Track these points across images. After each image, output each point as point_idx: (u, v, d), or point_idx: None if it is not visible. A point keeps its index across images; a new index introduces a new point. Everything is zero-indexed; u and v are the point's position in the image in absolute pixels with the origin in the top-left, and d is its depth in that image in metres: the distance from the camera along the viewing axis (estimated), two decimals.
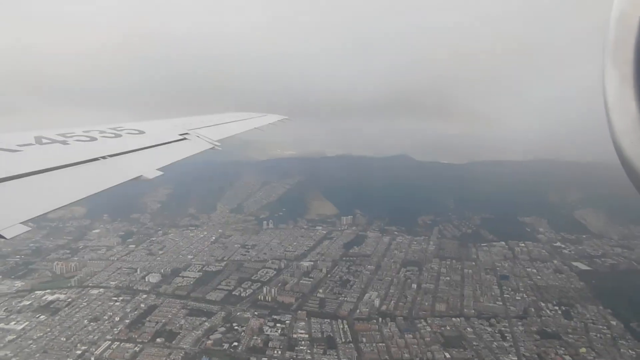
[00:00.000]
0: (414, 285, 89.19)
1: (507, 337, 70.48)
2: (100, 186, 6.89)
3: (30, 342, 68.58)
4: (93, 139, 9.57)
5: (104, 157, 8.22)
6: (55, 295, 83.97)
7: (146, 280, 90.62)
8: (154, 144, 10.35)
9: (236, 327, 73.93)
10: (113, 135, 10.31)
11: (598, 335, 69.97)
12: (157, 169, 8.32)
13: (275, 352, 66.82)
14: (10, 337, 69.49)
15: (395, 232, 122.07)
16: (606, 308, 77.65)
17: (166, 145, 10.75)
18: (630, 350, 66.19)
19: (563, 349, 66.46)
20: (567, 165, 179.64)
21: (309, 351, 67.24)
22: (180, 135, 11.84)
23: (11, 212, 5.16)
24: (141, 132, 11.22)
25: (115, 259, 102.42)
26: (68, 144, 8.69)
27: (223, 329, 73.59)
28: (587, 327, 72.33)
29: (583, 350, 65.99)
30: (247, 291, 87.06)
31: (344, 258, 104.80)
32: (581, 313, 76.97)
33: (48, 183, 6.50)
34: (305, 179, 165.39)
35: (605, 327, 71.96)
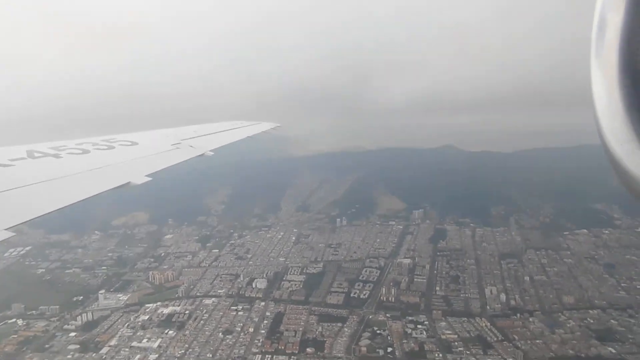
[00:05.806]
0: (527, 278, 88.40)
1: None
2: (86, 194, 7.00)
3: None
4: (86, 151, 9.80)
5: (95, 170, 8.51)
6: (170, 308, 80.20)
7: (254, 286, 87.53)
8: (147, 155, 10.73)
9: (379, 332, 71.90)
10: (106, 147, 10.60)
11: None
12: (146, 175, 8.57)
13: (436, 355, 65.21)
14: (153, 357, 66.08)
15: (472, 224, 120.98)
16: None
17: (158, 154, 11.11)
18: None
19: None
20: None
21: (468, 352, 65.72)
22: (173, 145, 12.22)
23: None
24: (134, 144, 11.61)
25: (207, 265, 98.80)
26: (61, 157, 8.91)
27: (367, 333, 71.46)
28: None
29: None
30: (364, 292, 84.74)
31: (438, 253, 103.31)
32: None
33: (35, 193, 6.63)
34: (363, 174, 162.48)
35: None
